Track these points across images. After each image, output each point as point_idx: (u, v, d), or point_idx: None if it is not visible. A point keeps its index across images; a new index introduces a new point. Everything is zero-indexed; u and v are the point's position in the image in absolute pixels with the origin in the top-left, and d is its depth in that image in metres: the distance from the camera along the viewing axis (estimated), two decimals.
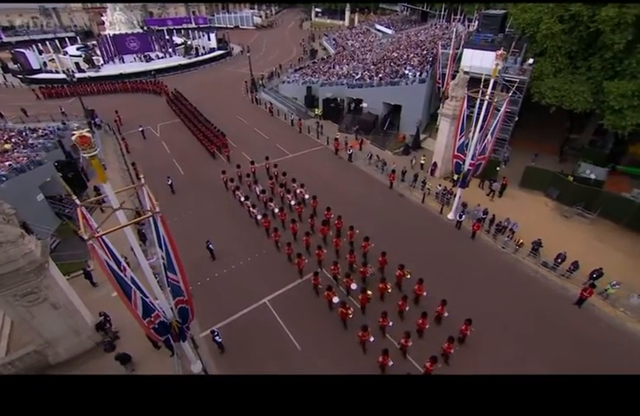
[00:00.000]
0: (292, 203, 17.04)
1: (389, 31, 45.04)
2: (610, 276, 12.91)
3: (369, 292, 12.02)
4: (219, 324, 12.13)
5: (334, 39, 48.52)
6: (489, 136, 15.44)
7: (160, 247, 7.72)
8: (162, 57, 45.46)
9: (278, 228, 15.24)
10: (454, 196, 17.18)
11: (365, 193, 19.29)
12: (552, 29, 18.19)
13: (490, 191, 18.61)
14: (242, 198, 17.53)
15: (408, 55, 29.80)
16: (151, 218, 7.07)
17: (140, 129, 25.88)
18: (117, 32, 46.07)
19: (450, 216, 17.25)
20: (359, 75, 27.98)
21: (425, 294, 12.27)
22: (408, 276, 12.66)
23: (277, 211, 16.36)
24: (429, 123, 25.75)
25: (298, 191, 17.56)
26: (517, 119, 19.94)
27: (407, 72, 25.64)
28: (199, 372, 10.66)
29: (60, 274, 10.72)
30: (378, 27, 48.07)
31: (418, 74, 24.69)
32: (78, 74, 36.85)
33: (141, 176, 7.13)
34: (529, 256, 14.82)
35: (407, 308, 11.90)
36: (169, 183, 19.09)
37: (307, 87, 29.38)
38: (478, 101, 14.50)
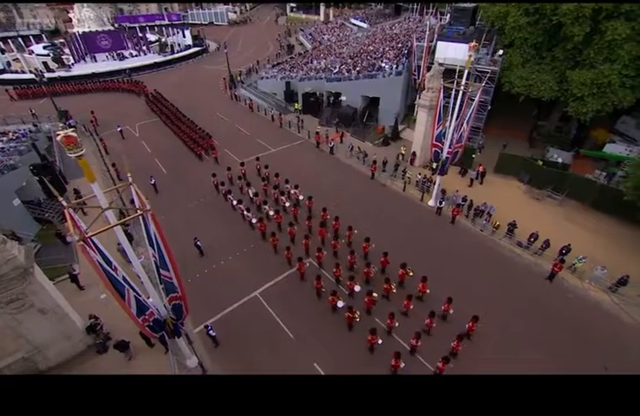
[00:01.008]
0: (287, 204, 16.75)
1: (364, 25, 45.26)
2: (578, 251, 13.83)
3: (375, 294, 11.87)
4: (212, 319, 12.27)
5: (310, 34, 48.31)
6: (465, 125, 16.02)
7: (152, 245, 7.76)
8: (136, 55, 43.94)
9: (274, 231, 14.95)
10: (434, 183, 17.76)
11: (348, 184, 19.62)
12: (519, 22, 18.88)
13: (471, 180, 19.31)
14: (234, 202, 17.02)
15: (383, 49, 30.13)
16: (140, 217, 7.04)
17: (119, 129, 25.24)
18: (87, 30, 44.29)
19: (430, 203, 17.86)
20: (337, 69, 28.10)
21: (428, 291, 12.21)
22: (411, 274, 12.64)
23: (272, 213, 15.99)
24: (407, 114, 26.20)
25: (292, 192, 17.22)
26: (489, 108, 20.67)
27: (383, 65, 25.99)
28: (195, 366, 10.80)
29: (46, 279, 10.52)
30: (353, 21, 48.17)
31: (394, 66, 25.06)
32: (47, 74, 35.29)
33: (129, 175, 7.00)
34: (505, 236, 15.62)
35: (411, 307, 11.80)
36: (152, 182, 18.79)
37: (286, 82, 29.31)
38: (453, 92, 15.01)
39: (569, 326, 11.99)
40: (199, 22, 66.53)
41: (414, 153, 20.82)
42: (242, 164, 19.35)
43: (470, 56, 13.90)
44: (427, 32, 23.14)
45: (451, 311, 11.56)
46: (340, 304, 11.95)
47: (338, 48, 36.20)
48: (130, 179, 6.88)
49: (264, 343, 11.68)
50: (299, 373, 10.70)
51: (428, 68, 21.07)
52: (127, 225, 15.25)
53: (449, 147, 16.20)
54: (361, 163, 21.39)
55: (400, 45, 29.95)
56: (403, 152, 21.44)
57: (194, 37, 48.55)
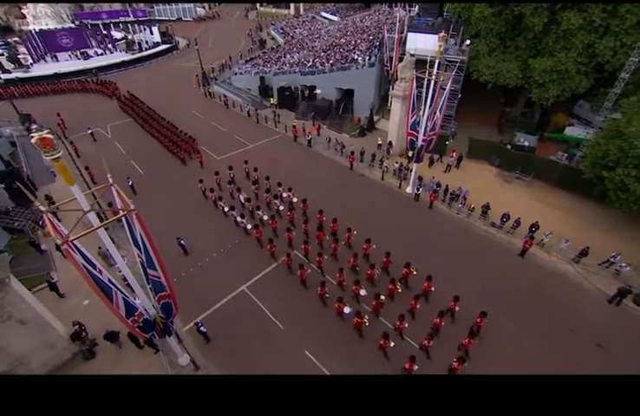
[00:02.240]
0: (281, 208, 16.28)
1: (335, 18, 45.61)
2: (545, 228, 14.85)
3: (382, 297, 11.75)
4: (201, 316, 12.37)
5: (281, 28, 48.17)
6: (438, 113, 16.71)
7: (137, 246, 7.71)
8: (102, 54, 42.37)
9: (270, 237, 14.46)
10: (411, 171, 18.46)
11: (327, 176, 20.01)
12: (484, 13, 19.74)
13: (447, 166, 20.17)
14: (226, 208, 16.35)
15: (355, 41, 30.60)
16: (123, 218, 7.01)
17: (89, 131, 24.44)
18: (44, 27, 42.39)
19: (408, 190, 18.56)
20: (310, 63, 28.32)
21: (433, 289, 12.20)
22: (415, 273, 12.62)
23: (266, 218, 15.53)
24: (381, 105, 26.85)
25: (286, 194, 16.81)
26: (460, 96, 21.58)
27: (356, 57, 26.50)
28: (187, 364, 10.92)
29: (24, 288, 10.31)
30: (324, 14, 48.39)
31: (367, 58, 25.54)
32: (3, 75, 33.78)
33: (109, 175, 6.91)
34: (480, 218, 16.49)
35: (418, 307, 11.75)
36: (130, 184, 18.43)
37: (260, 77, 29.26)
38: (425, 81, 15.56)
39: (539, 296, 12.94)
40: (167, 19, 64.94)
41: (390, 143, 21.47)
42: (230, 167, 18.64)
43: (440, 47, 14.41)
44: (397, 24, 23.71)
45: (457, 308, 11.52)
46: (347, 310, 11.68)
47: (310, 41, 36.43)
48: (110, 180, 6.86)
49: (255, 335, 11.90)
50: (291, 361, 11.06)
51: (400, 59, 21.72)
52: (107, 229, 14.92)
53: (424, 135, 16.84)
54: (339, 154, 21.82)
55: (371, 37, 30.52)
56: (380, 142, 22.10)
57: (163, 34, 47.30)
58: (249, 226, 15.37)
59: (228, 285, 13.65)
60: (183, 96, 32.27)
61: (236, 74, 32.83)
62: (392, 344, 10.56)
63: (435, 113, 16.72)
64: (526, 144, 19.35)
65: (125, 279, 11.11)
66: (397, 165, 19.41)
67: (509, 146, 19.23)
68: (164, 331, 9.28)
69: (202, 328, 11.46)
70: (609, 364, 10.74)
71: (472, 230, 16.28)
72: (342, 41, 31.88)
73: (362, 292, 12.03)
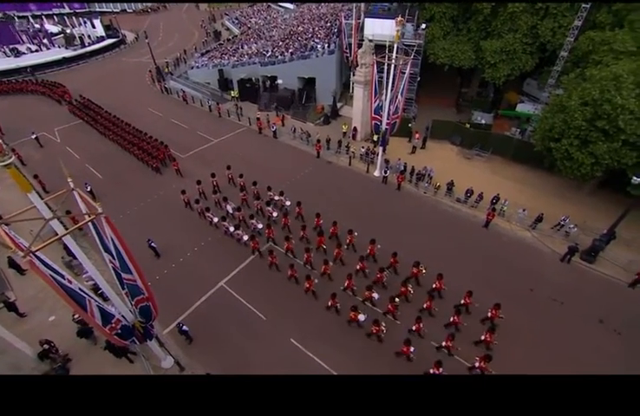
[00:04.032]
0: (275, 214, 16.07)
1: (291, 6, 46.58)
2: (505, 199, 16.72)
3: (397, 299, 11.94)
4: (181, 317, 12.65)
5: (236, 18, 48.45)
6: (399, 96, 18.12)
7: (108, 251, 7.69)
8: (37, 50, 40.81)
9: (265, 245, 14.63)
10: (377, 155, 19.89)
11: (296, 165, 20.97)
12: None
13: (412, 148, 21.73)
14: (215, 219, 16.06)
15: (313, 29, 31.77)
16: (90, 223, 6.90)
17: (34, 136, 23.61)
18: None
19: (376, 173, 19.96)
20: (270, 53, 29.09)
21: (445, 288, 12.53)
22: (424, 271, 12.90)
23: (260, 227, 15.33)
24: (343, 92, 28.20)
25: (277, 198, 16.71)
26: (419, 79, 23.26)
27: (315, 45, 27.66)
28: (172, 366, 11.21)
29: None
30: (279, 2, 49.40)
31: (326, 46, 26.74)
32: None
33: (69, 179, 6.75)
34: (446, 195, 18.17)
35: (432, 306, 12.09)
36: (88, 189, 18.17)
37: (218, 70, 29.64)
38: (385, 66, 16.77)
39: (503, 261, 14.67)
40: (110, 10, 63.17)
41: (355, 129, 22.85)
42: (213, 175, 18.07)
43: (398, 31, 15.63)
44: (354, 10, 24.99)
45: (476, 305, 11.96)
46: (362, 318, 11.69)
47: (268, 31, 37.24)
48: (72, 184, 6.73)
49: (238, 329, 12.34)
50: (277, 350, 11.69)
51: (359, 45, 23.04)
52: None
53: (388, 119, 18.18)
54: (305, 143, 22.88)
55: (329, 24, 31.82)
56: (345, 129, 23.35)
57: (106, 27, 46.32)
58: (245, 237, 14.97)
59: (206, 283, 13.98)
60: (137, 94, 32.00)
61: (192, 68, 32.97)
62: (412, 349, 10.69)
63: (397, 96, 18.15)
64: (483, 122, 21.48)
65: (95, 288, 11.44)
66: (364, 150, 20.80)
67: (468, 125, 21.23)
68: (144, 335, 9.39)
69: (184, 328, 11.79)
70: (564, 315, 12.54)
71: (439, 207, 17.90)
72: (300, 29, 32.94)
73: (376, 296, 12.20)
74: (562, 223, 15.65)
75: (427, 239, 15.68)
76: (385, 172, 19.25)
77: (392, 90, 17.38)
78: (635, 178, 12.75)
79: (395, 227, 16.31)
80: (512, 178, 19.27)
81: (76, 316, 11.68)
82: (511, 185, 18.58)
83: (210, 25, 51.80)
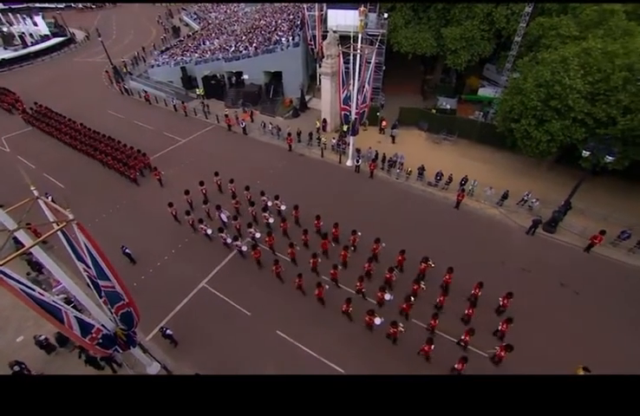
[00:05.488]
0: (271, 221, 16.18)
1: None
2: (474, 179, 18.27)
3: (412, 298, 12.37)
4: (163, 321, 13.00)
5: (195, 13, 48.82)
6: (367, 86, 19.25)
7: (81, 259, 7.69)
8: None
9: (265, 254, 14.77)
10: (348, 145, 21.15)
11: (268, 160, 21.85)
12: None
13: (391, 137, 23.02)
14: (209, 231, 15.90)
15: (276, 22, 32.80)
16: (60, 232, 6.83)
17: None
18: None
19: (348, 163, 21.21)
20: (233, 48, 29.78)
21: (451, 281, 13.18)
22: (433, 266, 13.46)
23: (259, 236, 15.29)
24: (310, 84, 29.39)
25: (270, 203, 16.81)
26: (384, 68, 24.69)
27: (279, 38, 28.65)
28: (159, 371, 11.56)
29: None
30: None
31: (290, 38, 27.76)
32: None
33: (33, 188, 6.71)
34: (417, 180, 19.62)
35: (441, 299, 12.68)
36: (50, 200, 18.18)
37: (181, 67, 30.06)
38: (351, 57, 17.86)
39: (474, 239, 16.15)
40: (54, 7, 61.54)
41: (324, 120, 24.07)
42: (201, 183, 17.86)
43: (361, 21, 16.72)
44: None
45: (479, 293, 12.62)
46: (377, 321, 11.91)
47: (229, 25, 37.96)
48: (36, 193, 6.72)
49: (224, 327, 12.82)
50: (264, 343, 12.36)
51: (324, 37, 24.24)
52: (30, 254, 14.12)
53: (356, 109, 19.39)
54: (276, 138, 23.84)
55: (291, 17, 32.94)
56: (318, 125, 24.18)
57: (51, 25, 45.29)
58: (244, 248, 15.02)
59: (187, 284, 14.41)
60: (95, 96, 31.86)
61: (153, 66, 33.07)
62: (432, 346, 11.17)
63: (364, 86, 19.35)
64: (448, 107, 23.30)
65: (67, 302, 11.49)
66: (335, 141, 22.07)
67: (434, 111, 22.96)
68: (127, 343, 9.47)
69: (168, 332, 12.04)
70: (532, 282, 14.12)
71: (411, 191, 19.31)
72: (263, 22, 33.91)
73: (387, 296, 12.59)
74: (525, 198, 17.41)
75: (403, 224, 16.93)
76: (357, 161, 20.53)
77: (359, 80, 18.49)
78: (584, 151, 14.48)
79: (371, 215, 17.44)
80: (479, 159, 21.06)
81: (42, 338, 11.80)
82: (478, 165, 20.34)
83: (167, 21, 51.88)
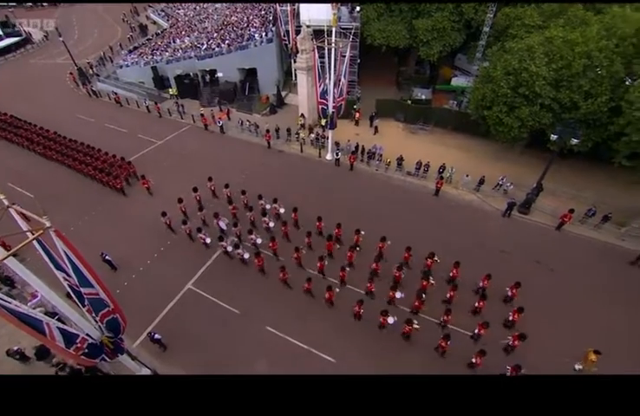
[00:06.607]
0: (271, 225, 16.36)
1: None
2: (451, 167, 19.49)
3: (424, 295, 12.93)
4: (150, 327, 13.26)
5: (162, 10, 48.74)
6: (342, 79, 20.12)
7: (60, 268, 7.65)
8: None
9: (268, 259, 15.04)
10: (327, 139, 22.08)
11: (248, 158, 22.51)
12: None
13: (374, 128, 24.11)
14: (207, 240, 16.01)
15: (248, 17, 33.38)
16: (35, 241, 6.83)
17: None
18: None
19: (328, 156, 22.10)
20: (205, 46, 30.06)
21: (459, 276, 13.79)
22: (438, 261, 14.05)
23: (260, 242, 15.54)
24: (286, 80, 30.14)
25: (269, 207, 17.04)
26: (359, 61, 25.71)
27: (252, 34, 29.18)
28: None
29: None
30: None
31: (264, 34, 28.38)
32: None
33: (2, 197, 6.64)
34: (397, 170, 20.70)
35: (451, 294, 13.21)
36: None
37: (151, 67, 30.19)
38: (326, 51, 18.65)
39: (454, 224, 17.31)
40: (5, 4, 59.90)
41: (302, 115, 24.92)
42: (195, 189, 17.78)
43: (334, 14, 17.60)
44: None
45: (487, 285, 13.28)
46: (391, 320, 12.26)
47: (199, 22, 38.29)
48: (6, 202, 6.68)
49: (213, 327, 13.21)
50: (255, 340, 12.86)
51: (297, 32, 25.03)
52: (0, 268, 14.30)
53: (333, 102, 20.32)
54: (254, 135, 24.51)
55: (263, 12, 33.60)
56: (302, 121, 24.83)
57: (3, 24, 44.21)
58: (246, 255, 15.13)
59: (172, 287, 14.71)
60: (60, 100, 31.57)
61: (121, 67, 32.96)
62: (449, 342, 11.66)
63: (340, 79, 20.27)
64: (423, 97, 24.67)
65: (50, 314, 11.57)
66: (313, 136, 22.99)
67: (409, 102, 24.27)
68: (115, 351, 9.46)
69: (156, 336, 12.30)
70: (511, 262, 15.33)
71: (391, 181, 20.36)
72: (234, 18, 34.47)
73: (398, 295, 13.07)
74: (500, 182, 18.74)
75: (381, 210, 17.95)
76: (337, 155, 21.50)
77: (335, 74, 19.33)
78: (552, 135, 15.85)
79: (353, 207, 18.30)
80: (455, 146, 22.38)
81: (15, 348, 11.89)
82: (454, 153, 21.62)
83: (133, 19, 51.70)
